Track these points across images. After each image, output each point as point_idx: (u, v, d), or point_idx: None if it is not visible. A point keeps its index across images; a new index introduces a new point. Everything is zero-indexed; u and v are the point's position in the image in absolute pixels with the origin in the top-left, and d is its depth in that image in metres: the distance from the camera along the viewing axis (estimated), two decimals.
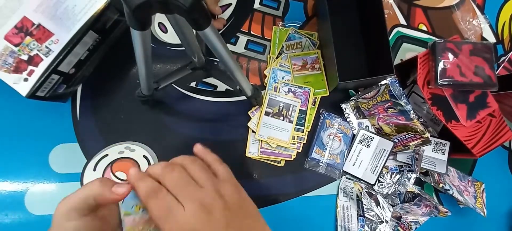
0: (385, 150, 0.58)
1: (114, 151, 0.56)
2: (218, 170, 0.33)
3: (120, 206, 0.31)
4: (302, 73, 0.62)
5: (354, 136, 0.60)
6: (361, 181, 0.59)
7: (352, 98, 0.60)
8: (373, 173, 0.58)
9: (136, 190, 0.29)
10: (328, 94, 0.62)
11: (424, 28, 0.69)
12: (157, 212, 0.28)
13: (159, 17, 0.63)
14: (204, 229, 0.27)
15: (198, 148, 0.36)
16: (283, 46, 0.63)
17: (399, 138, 0.58)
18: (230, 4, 0.64)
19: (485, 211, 0.58)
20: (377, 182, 0.58)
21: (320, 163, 0.59)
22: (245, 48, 0.63)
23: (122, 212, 0.30)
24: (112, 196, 0.29)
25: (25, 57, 0.47)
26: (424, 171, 0.60)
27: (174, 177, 0.29)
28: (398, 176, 0.59)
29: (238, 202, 0.31)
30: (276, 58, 0.62)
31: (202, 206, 0.28)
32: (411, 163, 0.59)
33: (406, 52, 0.67)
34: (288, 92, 0.60)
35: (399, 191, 0.58)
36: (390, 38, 0.65)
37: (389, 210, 0.57)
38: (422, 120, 0.60)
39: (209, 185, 0.30)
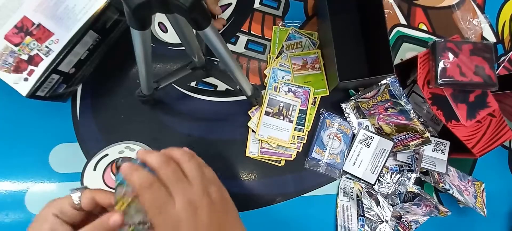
0: (385, 149, 0.58)
1: (114, 151, 0.56)
2: (204, 171, 0.35)
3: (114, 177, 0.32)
4: (302, 73, 0.62)
5: (354, 136, 0.60)
6: (361, 181, 0.59)
7: (352, 98, 0.60)
8: (373, 173, 0.58)
9: (130, 180, 0.31)
10: (328, 94, 0.62)
11: (424, 27, 0.69)
12: (150, 203, 0.30)
13: (159, 17, 0.63)
14: (189, 223, 0.30)
15: (185, 149, 0.38)
16: (283, 46, 0.63)
17: (399, 138, 0.58)
18: (230, 4, 0.64)
19: (485, 210, 0.58)
20: (377, 182, 0.58)
21: (320, 163, 0.59)
22: (245, 48, 0.63)
23: (116, 182, 0.32)
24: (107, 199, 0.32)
25: (25, 57, 0.47)
26: (424, 170, 0.60)
27: (169, 172, 0.31)
28: (398, 175, 0.59)
29: (221, 201, 0.33)
30: (276, 58, 0.62)
31: (190, 202, 0.30)
32: (411, 162, 0.59)
33: (406, 52, 0.67)
34: (288, 92, 0.60)
35: (399, 191, 0.58)
36: (390, 38, 0.65)
37: (389, 210, 0.57)
38: (422, 120, 0.60)
39: (199, 184, 0.32)
